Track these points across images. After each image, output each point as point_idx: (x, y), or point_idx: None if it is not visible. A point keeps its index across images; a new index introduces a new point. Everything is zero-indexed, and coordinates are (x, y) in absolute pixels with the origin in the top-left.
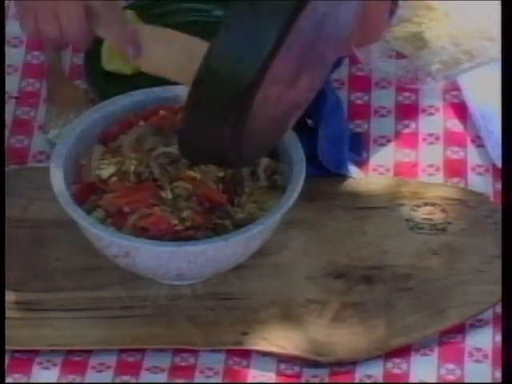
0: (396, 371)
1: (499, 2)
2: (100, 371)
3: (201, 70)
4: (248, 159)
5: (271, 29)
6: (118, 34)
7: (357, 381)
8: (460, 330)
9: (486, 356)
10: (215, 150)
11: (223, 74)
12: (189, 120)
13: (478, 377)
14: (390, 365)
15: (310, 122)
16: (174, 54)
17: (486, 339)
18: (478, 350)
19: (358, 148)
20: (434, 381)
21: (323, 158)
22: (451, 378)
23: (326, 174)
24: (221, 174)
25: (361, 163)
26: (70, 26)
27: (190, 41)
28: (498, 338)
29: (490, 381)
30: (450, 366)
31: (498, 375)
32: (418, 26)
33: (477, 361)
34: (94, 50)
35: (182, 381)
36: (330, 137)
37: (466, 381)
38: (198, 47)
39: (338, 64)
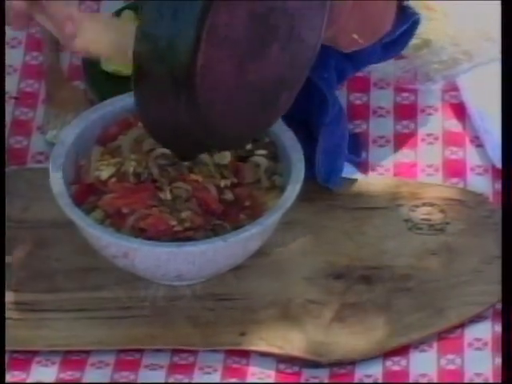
0: (395, 368)
1: (499, 2)
2: (99, 368)
3: (138, 37)
4: (229, 140)
5: None
6: (55, 15)
7: (356, 381)
8: (459, 326)
9: (485, 344)
10: (178, 127)
11: (159, 37)
12: (140, 97)
13: (479, 364)
14: (389, 363)
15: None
16: (108, 33)
17: (485, 331)
18: (478, 340)
19: (357, 149)
20: (435, 372)
21: (317, 169)
22: (451, 367)
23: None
24: (222, 184)
25: (360, 164)
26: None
27: (124, 23)
28: (497, 328)
29: (490, 367)
30: (450, 357)
31: (499, 361)
32: None
33: (477, 348)
34: None
35: (181, 377)
36: (326, 150)
37: (466, 369)
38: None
39: (343, 76)
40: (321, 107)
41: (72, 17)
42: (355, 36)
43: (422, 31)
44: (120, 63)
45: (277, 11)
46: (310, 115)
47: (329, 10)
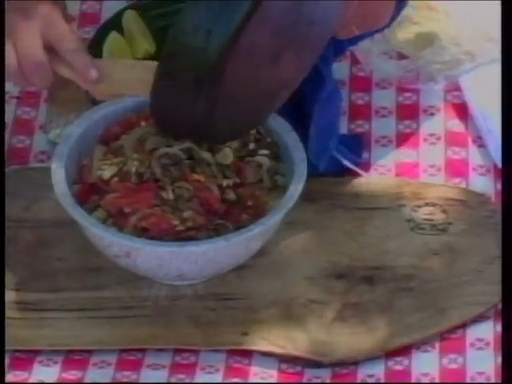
0: (398, 367)
1: (500, 3)
2: (101, 368)
3: (171, 43)
4: (225, 135)
5: (240, 3)
6: (78, 62)
7: (359, 381)
8: (461, 326)
9: (487, 344)
10: (189, 123)
11: (192, 47)
12: (161, 92)
13: (481, 363)
14: (391, 363)
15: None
16: (134, 73)
17: (487, 330)
18: (480, 340)
19: (358, 149)
20: (437, 371)
21: (309, 147)
22: (453, 366)
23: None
24: (224, 184)
25: (360, 164)
26: (27, 58)
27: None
28: (499, 328)
29: (492, 367)
30: (452, 356)
31: (500, 360)
32: (419, 26)
33: (479, 348)
34: (94, 50)
35: (183, 377)
36: (321, 127)
37: (468, 368)
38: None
39: (340, 51)
40: (316, 83)
41: (93, 63)
42: (353, 28)
43: (425, 32)
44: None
45: (301, 23)
46: (304, 92)
47: None
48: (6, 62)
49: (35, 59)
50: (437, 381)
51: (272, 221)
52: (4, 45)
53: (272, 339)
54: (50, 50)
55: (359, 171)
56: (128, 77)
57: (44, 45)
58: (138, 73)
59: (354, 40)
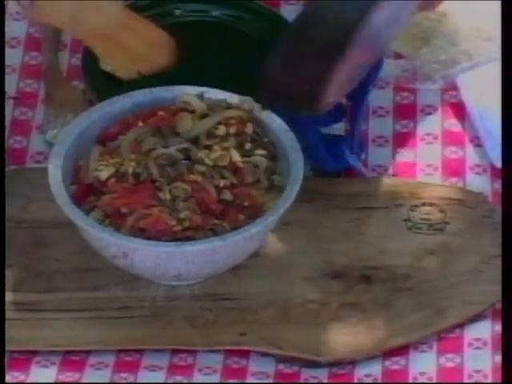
0: (395, 367)
1: (498, 2)
2: (99, 369)
3: (308, 13)
4: (321, 105)
5: None
6: None
7: (356, 381)
8: (458, 325)
9: (485, 343)
10: (300, 93)
11: (325, 20)
12: (286, 58)
13: (478, 362)
14: (388, 363)
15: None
16: (66, 4)
17: (485, 330)
18: (478, 339)
19: (358, 151)
20: (434, 371)
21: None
22: (451, 365)
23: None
24: (221, 184)
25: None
26: None
27: None
28: (497, 327)
29: (490, 366)
30: (450, 355)
31: (498, 359)
32: (415, 25)
33: (476, 348)
34: (92, 50)
35: (181, 379)
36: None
37: (465, 367)
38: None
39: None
40: (362, 93)
41: None
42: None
43: (422, 31)
44: (70, 33)
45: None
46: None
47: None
48: None
49: None
50: (434, 380)
51: (269, 221)
52: (4, 45)
53: (269, 339)
54: None
55: (364, 171)
56: (61, 6)
57: None
58: (70, 4)
59: None
